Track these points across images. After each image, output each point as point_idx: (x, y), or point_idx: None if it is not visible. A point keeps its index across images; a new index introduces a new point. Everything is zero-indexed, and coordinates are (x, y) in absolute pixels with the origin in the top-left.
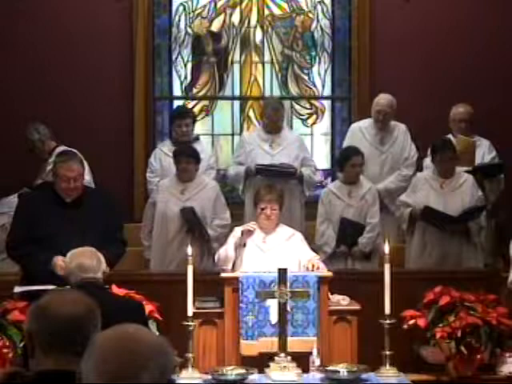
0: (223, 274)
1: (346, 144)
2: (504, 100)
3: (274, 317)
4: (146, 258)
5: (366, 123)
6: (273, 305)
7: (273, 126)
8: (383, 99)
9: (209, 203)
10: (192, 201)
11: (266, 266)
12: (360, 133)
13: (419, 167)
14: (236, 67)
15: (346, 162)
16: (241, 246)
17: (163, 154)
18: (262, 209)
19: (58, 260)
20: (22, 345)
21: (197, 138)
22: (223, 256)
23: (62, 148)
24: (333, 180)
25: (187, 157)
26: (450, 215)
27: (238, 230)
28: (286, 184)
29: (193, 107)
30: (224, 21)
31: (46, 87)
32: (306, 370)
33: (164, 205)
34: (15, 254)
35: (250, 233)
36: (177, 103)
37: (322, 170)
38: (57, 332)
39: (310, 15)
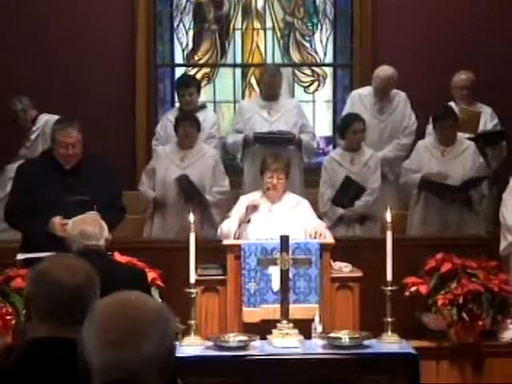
0: (225, 241)
1: (345, 111)
2: (506, 67)
3: (275, 284)
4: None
5: (366, 91)
6: (275, 272)
7: (270, 92)
8: (383, 71)
9: (208, 171)
10: (192, 168)
11: (273, 235)
12: (359, 100)
13: (422, 135)
14: (237, 34)
15: (347, 128)
16: (245, 222)
17: (169, 123)
18: (269, 178)
19: (56, 219)
20: (24, 312)
21: (203, 106)
22: (226, 231)
23: (43, 116)
24: (334, 147)
25: (189, 122)
26: (450, 185)
27: (242, 202)
28: (284, 151)
29: (194, 74)
30: None
31: (46, 55)
32: (307, 336)
33: (164, 172)
34: (13, 221)
35: (254, 209)
36: (178, 70)
37: (324, 137)
38: (57, 300)
39: None
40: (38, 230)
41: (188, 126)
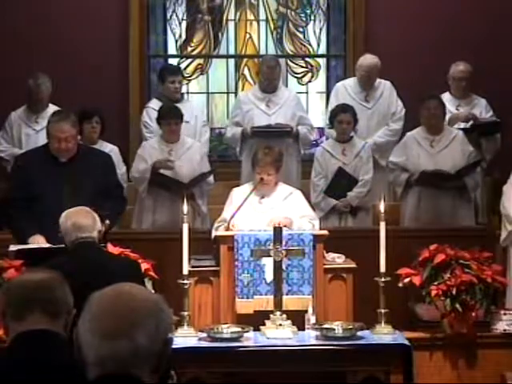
0: (218, 233)
1: (330, 103)
2: (497, 57)
3: (269, 275)
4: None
5: (350, 81)
6: (268, 263)
7: (269, 84)
8: (366, 60)
9: (195, 164)
10: (180, 162)
11: (263, 227)
12: (344, 90)
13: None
14: (231, 25)
15: (333, 118)
16: None
17: (155, 112)
18: (258, 173)
19: (35, 240)
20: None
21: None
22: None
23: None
24: (327, 138)
25: (176, 118)
26: (447, 173)
27: (235, 196)
28: (282, 142)
29: (187, 66)
30: None
31: (39, 46)
32: (301, 328)
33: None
34: (6, 213)
35: None
36: (171, 61)
37: (317, 128)
38: (22, 297)
39: None
40: (20, 236)
41: (174, 124)
